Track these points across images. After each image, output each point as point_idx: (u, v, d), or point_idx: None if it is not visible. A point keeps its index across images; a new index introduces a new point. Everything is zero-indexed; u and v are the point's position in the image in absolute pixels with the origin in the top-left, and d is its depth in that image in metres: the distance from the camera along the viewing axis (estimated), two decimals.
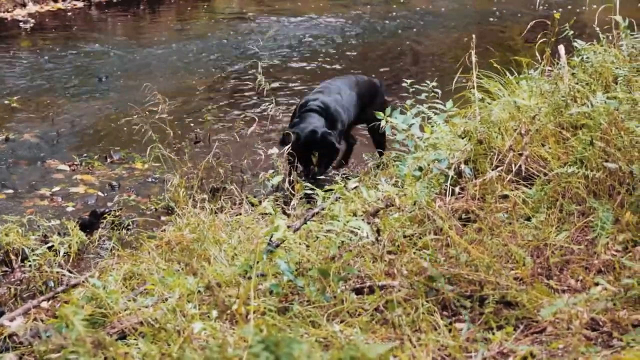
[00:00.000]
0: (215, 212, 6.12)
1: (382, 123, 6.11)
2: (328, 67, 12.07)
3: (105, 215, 6.86)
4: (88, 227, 6.71)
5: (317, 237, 4.85)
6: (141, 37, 14.46)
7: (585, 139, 4.76)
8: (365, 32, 14.40)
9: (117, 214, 6.94)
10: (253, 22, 15.22)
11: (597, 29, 6.37)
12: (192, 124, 9.56)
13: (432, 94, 7.10)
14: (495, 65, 6.31)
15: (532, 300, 3.90)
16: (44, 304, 5.00)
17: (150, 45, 13.62)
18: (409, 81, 7.52)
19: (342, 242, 4.62)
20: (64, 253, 6.15)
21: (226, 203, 6.55)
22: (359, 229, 4.63)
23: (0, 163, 8.47)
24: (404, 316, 3.85)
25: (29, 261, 5.99)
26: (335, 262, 4.37)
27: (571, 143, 4.93)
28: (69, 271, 5.83)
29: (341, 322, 3.98)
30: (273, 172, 7.25)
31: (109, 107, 10.30)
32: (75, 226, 6.45)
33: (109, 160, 8.53)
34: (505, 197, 4.81)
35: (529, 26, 6.82)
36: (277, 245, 4.61)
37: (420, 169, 5.28)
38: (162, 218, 6.96)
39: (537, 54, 6.47)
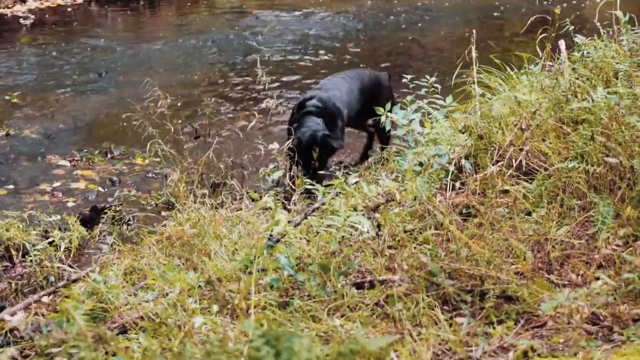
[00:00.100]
0: (216, 207, 6.12)
1: (383, 118, 6.11)
2: (328, 62, 12.07)
3: (105, 211, 6.86)
4: (89, 222, 6.71)
5: (318, 232, 4.86)
6: (141, 32, 14.46)
7: (586, 133, 4.75)
8: (366, 27, 14.39)
9: (118, 209, 6.95)
10: (253, 17, 15.21)
11: (598, 24, 6.36)
12: (192, 119, 9.56)
13: (432, 89, 7.10)
14: (495, 60, 6.31)
15: (532, 295, 3.90)
16: (45, 299, 5.01)
17: (150, 40, 13.61)
18: (408, 77, 7.52)
19: (343, 237, 4.62)
20: (65, 248, 6.16)
21: (227, 198, 6.55)
22: (359, 224, 4.63)
23: (1, 159, 8.48)
24: (405, 310, 3.85)
25: (30, 256, 5.99)
26: (336, 257, 4.37)
27: (572, 138, 4.92)
28: (70, 266, 5.84)
29: (342, 316, 3.98)
30: (273, 167, 7.26)
31: (110, 103, 10.30)
32: (75, 221, 6.46)
33: (109, 155, 8.54)
34: (506, 192, 4.81)
35: (529, 21, 6.82)
36: (278, 240, 4.61)
37: (421, 164, 5.28)
38: (163, 213, 6.97)
39: (537, 49, 6.47)
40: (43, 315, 4.74)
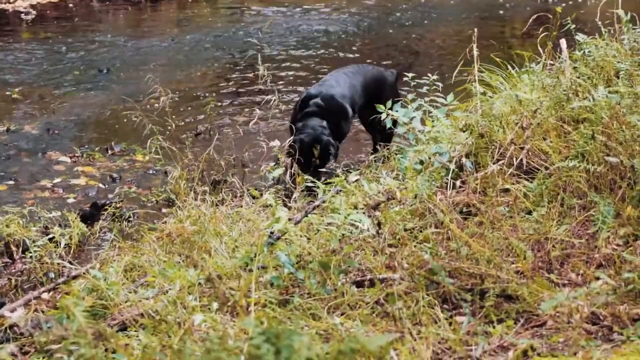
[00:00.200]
0: (216, 205, 6.12)
1: (383, 116, 6.10)
2: (330, 59, 12.05)
3: (106, 207, 6.86)
4: (89, 218, 6.71)
5: (318, 230, 4.85)
6: (142, 28, 14.45)
7: (587, 133, 4.75)
8: (369, 24, 14.36)
9: (118, 205, 6.94)
10: (255, 13, 15.19)
11: (599, 23, 6.36)
12: (193, 116, 9.55)
13: (433, 87, 7.09)
14: (496, 59, 6.31)
15: (532, 294, 3.90)
16: (45, 295, 5.00)
17: (151, 37, 13.60)
18: (410, 74, 7.51)
19: (343, 235, 4.62)
20: (65, 244, 6.16)
21: (227, 195, 6.55)
22: (359, 222, 4.63)
23: (1, 154, 8.48)
24: (405, 309, 3.86)
25: (30, 252, 6.00)
26: (336, 255, 4.37)
27: (572, 137, 4.92)
28: (70, 262, 5.84)
29: (342, 314, 3.98)
30: (274, 165, 7.25)
31: (111, 99, 10.29)
32: (76, 218, 6.45)
33: (109, 152, 8.53)
34: (507, 190, 4.80)
35: (530, 20, 6.81)
36: (278, 238, 4.61)
37: (422, 162, 5.27)
38: (163, 210, 6.97)
39: (539, 48, 6.46)
40: (43, 312, 4.74)
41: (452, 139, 5.34)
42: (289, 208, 5.95)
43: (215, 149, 7.40)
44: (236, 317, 3.94)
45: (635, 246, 4.17)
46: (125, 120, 9.16)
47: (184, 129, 8.97)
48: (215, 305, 4.01)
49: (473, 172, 4.99)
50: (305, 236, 4.83)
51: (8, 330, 4.40)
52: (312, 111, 7.57)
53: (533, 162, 4.96)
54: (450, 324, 3.79)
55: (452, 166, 5.03)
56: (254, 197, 6.18)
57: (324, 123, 7.49)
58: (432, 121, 5.77)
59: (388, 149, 6.88)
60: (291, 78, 11.07)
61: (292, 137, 7.45)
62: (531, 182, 4.85)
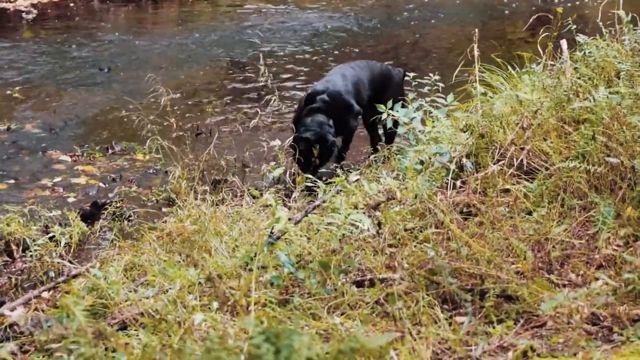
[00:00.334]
0: (217, 204, 6.12)
1: (384, 116, 6.11)
2: (333, 58, 12.05)
3: (106, 206, 6.86)
4: (89, 217, 6.71)
5: (318, 230, 4.86)
6: (143, 28, 14.46)
7: (587, 133, 4.75)
8: (374, 24, 14.34)
9: (118, 205, 6.94)
10: (257, 12, 15.19)
11: (600, 23, 6.36)
12: (194, 116, 9.55)
13: (435, 87, 7.09)
14: (497, 59, 6.31)
15: (532, 294, 3.90)
16: (45, 294, 5.01)
17: (152, 36, 13.61)
18: (411, 74, 7.51)
19: (343, 234, 4.62)
20: (65, 243, 6.16)
21: (227, 195, 6.55)
22: (360, 222, 4.63)
23: (2, 153, 8.48)
24: (405, 309, 3.86)
25: (30, 251, 6.00)
26: (336, 255, 4.37)
27: (573, 137, 4.92)
28: (70, 262, 5.83)
29: (342, 314, 3.98)
30: (275, 164, 7.25)
31: (111, 98, 10.30)
32: (76, 217, 6.46)
33: (110, 151, 8.54)
34: (507, 191, 4.81)
35: (530, 20, 6.81)
36: (278, 238, 4.61)
37: (422, 162, 5.28)
38: (163, 209, 6.97)
39: (539, 49, 6.47)
40: (43, 311, 4.74)
41: (453, 139, 5.35)
42: (289, 208, 5.96)
43: (215, 148, 7.40)
44: (236, 316, 3.94)
45: (635, 247, 4.17)
46: (125, 119, 9.16)
47: (185, 128, 8.97)
48: (215, 304, 4.01)
49: (473, 173, 4.99)
50: (306, 236, 4.84)
51: (8, 329, 4.40)
52: (318, 107, 7.54)
53: (533, 162, 4.96)
54: (450, 324, 3.79)
55: (453, 166, 5.03)
56: (254, 197, 6.18)
57: (331, 122, 7.48)
58: (433, 121, 5.77)
59: (389, 149, 6.88)
60: (292, 77, 11.08)
61: (295, 134, 7.43)
62: (531, 183, 4.85)
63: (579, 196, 4.61)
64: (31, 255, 5.97)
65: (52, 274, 5.81)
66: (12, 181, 7.78)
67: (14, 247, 6.11)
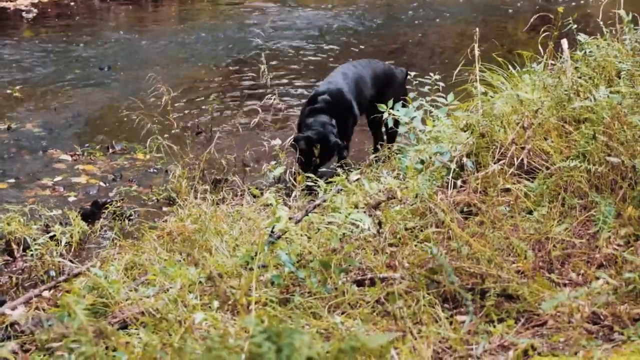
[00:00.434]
0: (217, 203, 6.13)
1: (385, 115, 6.11)
2: (335, 57, 12.04)
3: (106, 206, 6.86)
4: (90, 217, 6.72)
5: (319, 229, 4.86)
6: (144, 27, 14.45)
7: (588, 133, 4.75)
8: (378, 23, 14.32)
9: (119, 204, 6.95)
10: (258, 11, 15.18)
11: (601, 23, 6.36)
12: (194, 115, 9.55)
13: (435, 87, 7.09)
14: (498, 58, 6.31)
15: (533, 294, 3.90)
16: (46, 293, 5.01)
17: (152, 35, 13.61)
18: (413, 74, 7.51)
19: (344, 234, 4.62)
20: (66, 243, 6.16)
21: (228, 194, 6.56)
22: (360, 221, 4.63)
23: (2, 152, 8.48)
24: (405, 308, 3.86)
25: (31, 250, 6.00)
26: (337, 254, 4.37)
27: (574, 137, 4.92)
28: (71, 261, 5.84)
29: (342, 313, 3.98)
30: (275, 164, 7.26)
31: (111, 97, 10.30)
32: (77, 216, 6.46)
33: (110, 150, 8.54)
34: (507, 190, 4.81)
35: (531, 20, 6.81)
36: (279, 237, 4.62)
37: (422, 161, 5.28)
38: (164, 209, 6.97)
39: (540, 48, 6.47)
40: (44, 310, 4.75)
41: (453, 139, 5.34)
42: (290, 207, 5.96)
43: (216, 147, 7.40)
44: (237, 315, 3.94)
45: (636, 246, 4.17)
46: (126, 118, 9.16)
47: (185, 127, 8.97)
48: (216, 303, 4.01)
49: (474, 172, 4.99)
50: (306, 235, 4.84)
51: (9, 328, 4.40)
52: (320, 107, 7.57)
53: (534, 162, 4.96)
54: (450, 323, 3.79)
55: (453, 166, 5.03)
56: (254, 196, 6.18)
57: (333, 121, 7.50)
58: (433, 121, 5.77)
59: (389, 148, 6.88)
60: (294, 76, 11.07)
61: (297, 134, 7.44)
62: (532, 182, 4.85)
63: (580, 195, 4.61)
64: (32, 255, 5.97)
65: (52, 273, 5.81)
66: (12, 180, 7.78)
67: (14, 246, 6.11)
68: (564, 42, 6.22)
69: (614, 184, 4.56)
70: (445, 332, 3.70)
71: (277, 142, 8.25)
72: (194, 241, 5.29)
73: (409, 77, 8.05)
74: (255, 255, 4.30)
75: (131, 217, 6.84)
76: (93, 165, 8.16)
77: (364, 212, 4.86)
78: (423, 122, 5.94)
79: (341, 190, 5.55)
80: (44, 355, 3.97)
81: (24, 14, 15.01)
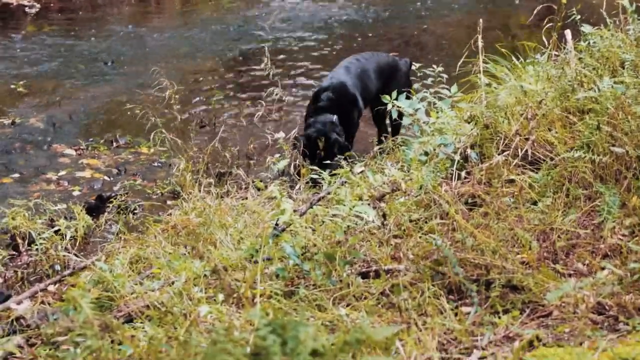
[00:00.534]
0: (222, 197, 6.13)
1: (389, 107, 6.10)
2: (340, 50, 12.01)
3: (111, 200, 6.87)
4: (94, 211, 6.72)
5: (323, 222, 4.86)
6: (147, 21, 14.44)
7: (592, 123, 4.75)
8: (385, 15, 14.28)
9: (123, 198, 6.95)
10: (262, 5, 15.15)
11: (605, 13, 6.35)
12: (198, 109, 9.55)
13: (438, 78, 7.08)
14: (502, 49, 6.30)
15: (538, 284, 3.90)
16: (51, 288, 5.02)
17: (156, 29, 13.60)
18: (417, 65, 7.50)
19: (348, 226, 4.62)
20: (71, 237, 6.17)
21: (232, 187, 6.56)
22: (364, 214, 4.63)
23: (7, 147, 8.49)
24: (410, 300, 3.86)
25: (36, 245, 6.01)
26: (341, 246, 4.37)
27: (578, 127, 4.92)
28: (76, 255, 5.85)
29: (347, 305, 3.99)
30: (279, 157, 7.26)
31: (115, 92, 10.29)
32: (81, 210, 6.47)
33: (114, 144, 8.54)
34: (512, 181, 4.80)
35: (535, 11, 6.80)
36: (283, 230, 4.62)
37: (426, 153, 5.27)
38: (168, 202, 6.98)
39: (544, 39, 6.46)
40: (49, 304, 4.76)
41: (457, 130, 5.34)
42: (294, 200, 5.96)
43: (220, 141, 7.41)
44: (242, 308, 3.94)
45: None
46: (130, 112, 9.16)
47: (189, 121, 8.97)
48: (221, 296, 4.01)
49: (478, 163, 4.99)
50: (311, 228, 4.84)
51: (15, 323, 4.41)
52: (323, 106, 7.60)
53: (538, 152, 4.95)
54: (455, 314, 3.79)
55: (457, 157, 5.03)
56: (259, 189, 6.18)
57: (334, 118, 7.51)
58: (437, 112, 5.76)
59: (393, 140, 6.88)
60: (298, 70, 11.06)
61: (300, 132, 7.48)
62: (536, 173, 4.85)
63: (584, 186, 4.61)
64: (37, 249, 5.98)
65: (57, 267, 5.82)
66: (17, 175, 7.79)
67: (19, 241, 6.12)
68: (568, 33, 6.21)
69: (619, 174, 4.55)
70: (450, 324, 3.70)
71: (281, 135, 8.25)
72: (199, 234, 5.30)
73: (413, 68, 8.05)
74: (260, 248, 4.31)
75: (135, 211, 6.85)
76: (97, 160, 8.16)
77: (369, 204, 4.87)
78: (427, 113, 5.93)
79: (345, 182, 5.55)
80: (50, 349, 3.98)
81: (26, 9, 15.00)
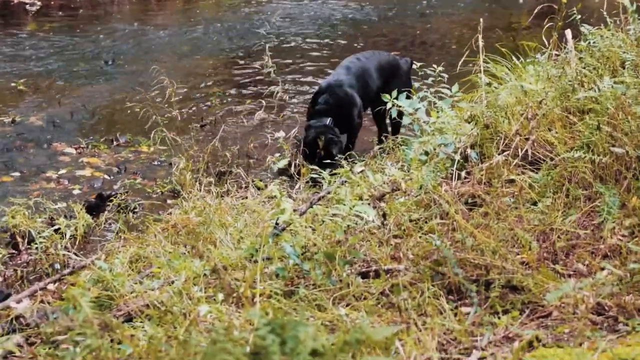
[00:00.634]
0: (222, 196, 6.13)
1: (389, 106, 6.10)
2: (341, 49, 11.99)
3: (111, 198, 6.87)
4: (94, 209, 6.72)
5: (323, 221, 4.86)
6: (148, 19, 14.44)
7: (592, 123, 4.74)
8: (391, 14, 14.26)
9: (123, 197, 6.95)
10: (263, 3, 15.13)
11: (605, 13, 6.35)
12: (198, 108, 9.55)
13: (439, 78, 7.08)
14: (503, 49, 6.30)
15: (538, 285, 3.90)
16: (51, 286, 5.02)
17: (157, 28, 13.59)
18: (418, 64, 7.49)
19: (348, 226, 4.62)
20: (70, 236, 6.17)
21: (232, 186, 6.56)
22: (364, 213, 4.63)
23: (7, 146, 8.48)
24: (410, 300, 3.86)
25: (36, 243, 6.01)
26: (341, 246, 4.37)
27: (578, 127, 4.92)
28: (75, 254, 5.85)
29: (347, 305, 3.99)
30: (279, 156, 7.26)
31: (116, 90, 10.29)
32: (81, 209, 6.46)
33: (115, 143, 8.54)
34: (512, 181, 4.80)
35: (535, 10, 6.80)
36: (283, 229, 4.62)
37: (427, 153, 5.27)
38: (168, 201, 6.98)
39: (544, 38, 6.45)
40: (49, 303, 4.75)
41: (457, 130, 5.34)
42: (294, 199, 5.96)
43: (220, 140, 7.40)
44: (241, 308, 3.94)
45: None
46: (130, 111, 9.16)
47: (189, 120, 8.97)
48: (220, 296, 4.01)
49: (478, 163, 4.99)
50: (311, 227, 4.84)
51: (14, 321, 4.40)
52: (320, 109, 7.61)
53: (538, 152, 4.95)
54: (455, 314, 3.79)
55: (457, 157, 5.03)
56: (259, 188, 6.18)
57: (328, 121, 7.53)
58: (437, 112, 5.76)
59: (394, 139, 6.88)
60: (298, 68, 11.06)
61: (300, 132, 7.49)
62: (536, 173, 4.85)
63: (584, 186, 4.61)
64: (36, 248, 5.98)
65: (57, 266, 5.81)
66: (17, 173, 7.79)
67: (19, 240, 6.11)
68: (568, 33, 6.21)
69: (619, 174, 4.55)
70: (450, 324, 3.70)
71: (281, 134, 8.25)
72: (199, 234, 5.29)
73: (414, 67, 8.04)
74: (260, 248, 4.31)
75: (135, 210, 6.84)
76: (97, 158, 8.16)
77: (369, 203, 4.86)
78: (427, 113, 5.93)
79: (345, 182, 5.55)
80: (49, 348, 3.98)
81: (27, 6, 15.00)
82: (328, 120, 7.54)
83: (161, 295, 4.13)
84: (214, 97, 9.36)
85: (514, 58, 6.30)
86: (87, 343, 3.28)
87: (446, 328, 3.70)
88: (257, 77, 10.61)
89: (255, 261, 4.26)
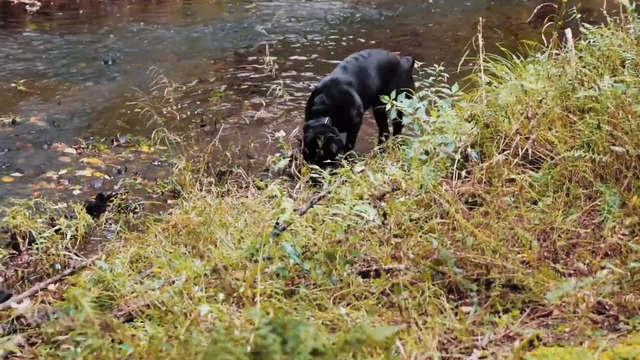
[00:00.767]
0: (222, 196, 6.13)
1: (388, 106, 6.10)
2: (343, 48, 11.98)
3: (111, 199, 6.87)
4: (95, 210, 6.72)
5: (324, 221, 4.86)
6: (148, 19, 14.43)
7: (593, 122, 4.75)
8: (395, 13, 14.25)
9: (124, 197, 6.95)
10: (264, 3, 15.12)
11: (605, 12, 6.35)
12: (198, 107, 9.55)
13: (439, 78, 7.08)
14: (503, 48, 6.30)
15: (538, 284, 3.90)
16: (51, 287, 5.02)
17: (157, 28, 13.59)
18: (420, 63, 7.49)
19: (349, 225, 4.63)
20: (71, 236, 6.17)
21: (232, 186, 6.56)
22: (365, 213, 4.63)
23: (7, 146, 8.48)
24: (410, 299, 3.86)
25: (36, 244, 6.01)
26: (342, 246, 4.38)
27: (578, 127, 4.92)
28: (76, 254, 5.85)
29: (347, 305, 3.99)
30: (280, 156, 7.26)
31: (116, 90, 10.29)
32: (82, 209, 6.46)
33: (115, 143, 8.54)
34: (512, 180, 4.80)
35: (535, 9, 6.80)
36: (284, 229, 4.62)
37: (427, 152, 5.27)
38: (169, 201, 6.97)
39: (544, 38, 6.45)
40: (49, 303, 4.76)
41: (458, 129, 5.34)
42: (294, 199, 5.97)
43: (220, 140, 7.40)
44: (242, 307, 3.94)
45: None
46: (130, 111, 9.16)
47: (190, 120, 8.97)
48: (221, 296, 4.01)
49: (478, 162, 4.99)
50: (311, 227, 4.84)
51: (15, 322, 4.41)
52: (317, 109, 7.61)
53: (539, 152, 4.95)
54: (456, 314, 3.80)
55: (458, 156, 5.03)
56: (259, 188, 6.18)
57: (326, 120, 7.53)
58: (438, 111, 5.76)
59: (394, 139, 6.88)
60: (299, 68, 11.05)
61: (300, 132, 7.49)
62: (537, 172, 4.85)
63: (585, 185, 4.61)
64: (37, 248, 5.98)
65: (58, 267, 5.81)
66: (17, 174, 7.79)
67: (20, 240, 6.11)
68: (568, 32, 6.21)
69: (619, 173, 4.55)
70: (451, 323, 3.70)
71: (282, 134, 8.25)
72: (199, 234, 5.29)
73: (415, 66, 8.04)
74: (260, 247, 4.31)
75: (136, 210, 6.84)
76: (98, 158, 8.16)
77: (369, 203, 4.86)
78: (427, 112, 5.93)
79: (346, 181, 5.55)
80: (50, 348, 3.98)
81: (27, 7, 14.99)
82: (326, 120, 7.53)
83: (162, 295, 4.13)
84: (214, 97, 9.35)
85: (514, 57, 6.30)
86: (88, 343, 3.28)
87: (447, 327, 3.70)
88: (258, 77, 10.61)
89: (256, 261, 4.26)
